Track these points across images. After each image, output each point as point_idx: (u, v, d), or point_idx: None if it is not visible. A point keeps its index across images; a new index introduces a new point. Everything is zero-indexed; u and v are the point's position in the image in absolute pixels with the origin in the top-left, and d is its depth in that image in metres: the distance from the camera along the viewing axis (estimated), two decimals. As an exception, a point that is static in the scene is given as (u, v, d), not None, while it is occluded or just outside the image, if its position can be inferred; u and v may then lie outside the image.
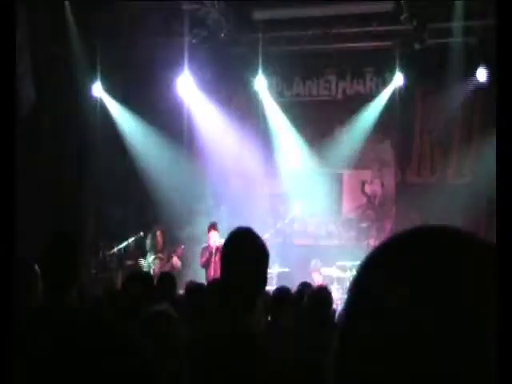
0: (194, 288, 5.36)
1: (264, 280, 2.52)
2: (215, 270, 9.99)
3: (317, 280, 10.39)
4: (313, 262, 10.86)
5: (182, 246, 11.28)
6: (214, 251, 10.32)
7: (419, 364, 0.68)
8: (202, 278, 10.29)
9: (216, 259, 9.94)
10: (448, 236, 0.75)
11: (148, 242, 11.53)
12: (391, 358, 0.69)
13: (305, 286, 5.93)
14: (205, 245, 10.59)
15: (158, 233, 11.47)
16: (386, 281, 0.72)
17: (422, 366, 0.68)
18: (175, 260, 10.98)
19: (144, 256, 11.36)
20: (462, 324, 0.68)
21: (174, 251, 11.26)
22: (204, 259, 10.58)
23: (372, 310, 0.72)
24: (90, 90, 12.51)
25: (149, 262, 11.12)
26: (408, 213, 11.21)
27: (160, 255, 11.19)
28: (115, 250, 11.57)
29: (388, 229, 12.09)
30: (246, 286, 2.43)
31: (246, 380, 2.31)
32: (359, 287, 0.75)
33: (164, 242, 11.48)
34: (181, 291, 6.36)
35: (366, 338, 0.71)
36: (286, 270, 10.97)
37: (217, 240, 10.20)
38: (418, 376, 0.68)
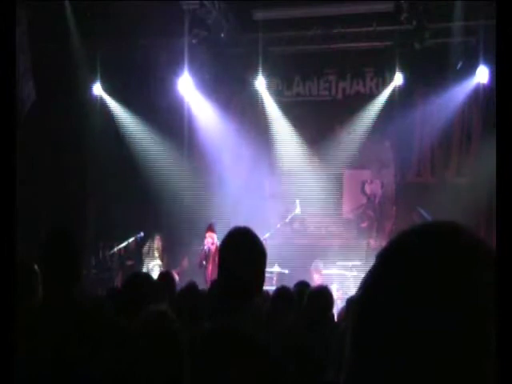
0: (191, 288, 5.36)
1: (262, 279, 2.51)
2: (213, 270, 10.00)
3: (316, 280, 10.39)
4: (313, 264, 10.87)
5: (186, 260, 11.08)
6: (211, 251, 10.34)
7: (418, 362, 0.68)
8: (200, 278, 10.30)
9: (215, 259, 9.95)
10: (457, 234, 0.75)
11: (145, 247, 11.42)
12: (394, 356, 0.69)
13: (304, 286, 5.92)
14: (202, 245, 10.62)
15: (157, 238, 11.33)
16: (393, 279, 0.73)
17: (419, 364, 0.68)
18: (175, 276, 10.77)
19: (141, 261, 11.28)
20: (463, 321, 0.68)
21: (179, 264, 11.09)
22: (199, 259, 10.60)
23: (378, 308, 0.72)
24: (90, 89, 12.52)
25: (148, 269, 11.02)
26: (408, 213, 11.21)
27: (159, 262, 11.08)
28: (115, 249, 11.57)
29: (388, 229, 12.09)
30: (243, 285, 2.43)
31: (245, 380, 2.31)
32: (370, 283, 0.76)
33: (163, 249, 11.34)
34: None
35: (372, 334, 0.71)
36: (286, 271, 10.97)
37: (215, 240, 10.22)
38: (417, 371, 0.68)
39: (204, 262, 10.55)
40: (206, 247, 10.52)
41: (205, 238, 10.68)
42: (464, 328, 0.68)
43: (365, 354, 0.72)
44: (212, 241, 10.42)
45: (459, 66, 11.36)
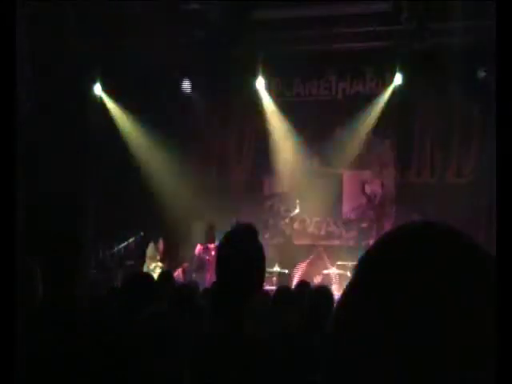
0: (190, 288, 5.36)
1: (262, 278, 2.50)
2: (211, 271, 10.01)
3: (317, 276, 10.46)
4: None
5: (186, 264, 11.08)
6: (205, 261, 10.37)
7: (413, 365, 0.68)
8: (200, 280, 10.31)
9: (211, 268, 9.97)
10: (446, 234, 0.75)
11: (149, 249, 11.38)
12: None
13: (304, 286, 5.92)
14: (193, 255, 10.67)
15: (160, 241, 11.30)
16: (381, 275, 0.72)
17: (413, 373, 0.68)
18: (177, 274, 10.72)
19: (143, 262, 11.26)
20: (462, 324, 0.68)
21: (179, 266, 11.08)
22: (197, 260, 10.62)
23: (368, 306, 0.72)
24: (90, 89, 12.52)
25: (149, 270, 10.96)
26: (408, 213, 11.21)
27: (160, 264, 11.05)
28: (115, 249, 11.57)
29: (388, 229, 12.05)
30: (243, 284, 2.43)
31: (245, 380, 2.31)
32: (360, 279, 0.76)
33: (165, 251, 11.32)
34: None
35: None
36: (286, 271, 10.98)
37: (215, 241, 10.25)
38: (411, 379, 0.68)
39: (200, 263, 10.57)
40: (201, 248, 10.55)
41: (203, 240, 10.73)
42: (462, 331, 0.68)
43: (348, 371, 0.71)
44: (200, 251, 10.47)
45: (459, 66, 11.35)
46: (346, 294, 0.76)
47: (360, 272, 0.76)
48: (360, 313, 0.72)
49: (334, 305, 5.16)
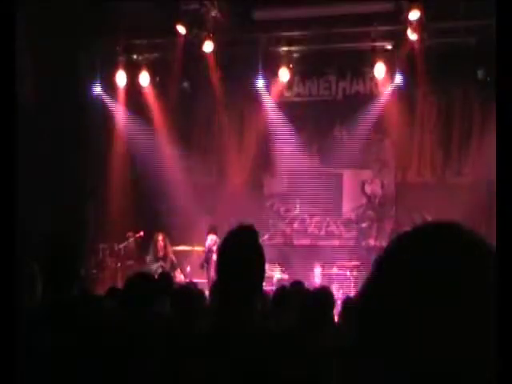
0: (190, 288, 5.36)
1: (260, 278, 2.50)
2: (214, 271, 9.98)
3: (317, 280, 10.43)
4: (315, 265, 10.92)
5: (188, 261, 11.04)
6: (212, 253, 10.33)
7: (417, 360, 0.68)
8: (202, 278, 10.31)
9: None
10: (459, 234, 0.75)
11: (149, 248, 11.27)
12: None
13: (299, 285, 5.90)
14: (204, 248, 10.62)
15: (160, 238, 11.18)
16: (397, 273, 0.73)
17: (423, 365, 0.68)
18: (179, 276, 10.57)
19: (143, 261, 11.21)
20: (465, 321, 0.68)
21: (181, 268, 11.00)
22: (201, 261, 10.59)
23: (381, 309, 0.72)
24: (90, 90, 12.52)
25: (151, 269, 10.87)
26: (408, 213, 11.21)
27: (162, 264, 10.95)
28: (115, 249, 11.56)
29: (388, 229, 12.09)
30: (243, 284, 2.42)
31: (245, 380, 2.31)
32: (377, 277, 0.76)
33: (166, 248, 11.21)
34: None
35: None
36: (285, 272, 10.97)
37: (216, 241, 10.22)
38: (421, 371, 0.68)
39: (205, 264, 10.54)
40: (206, 249, 10.51)
41: (206, 239, 10.68)
42: (465, 327, 0.68)
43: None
44: (212, 243, 10.40)
45: (459, 66, 11.35)
46: (361, 293, 0.76)
47: (375, 273, 0.76)
48: (370, 313, 0.72)
49: (334, 305, 5.16)
